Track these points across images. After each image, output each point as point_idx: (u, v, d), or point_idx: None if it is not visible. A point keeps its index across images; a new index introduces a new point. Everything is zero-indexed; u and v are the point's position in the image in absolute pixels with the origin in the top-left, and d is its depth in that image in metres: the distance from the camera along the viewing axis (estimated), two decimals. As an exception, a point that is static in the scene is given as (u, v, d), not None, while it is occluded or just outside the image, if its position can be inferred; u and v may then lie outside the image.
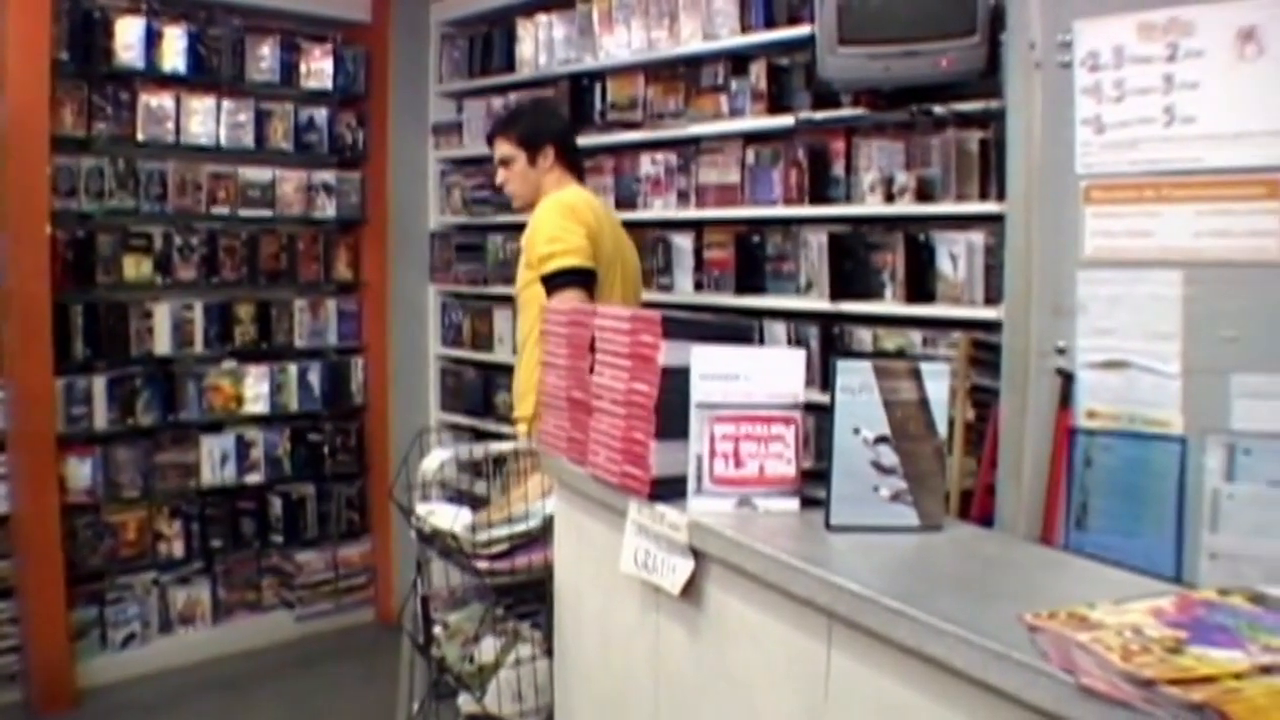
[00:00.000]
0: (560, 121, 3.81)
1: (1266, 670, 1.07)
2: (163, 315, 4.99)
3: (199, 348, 5.11)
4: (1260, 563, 2.41)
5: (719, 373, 1.77)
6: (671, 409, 1.82)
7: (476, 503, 3.45)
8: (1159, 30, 2.55)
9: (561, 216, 3.32)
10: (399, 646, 3.19)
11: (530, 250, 3.36)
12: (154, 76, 4.89)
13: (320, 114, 5.47)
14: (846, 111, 3.77)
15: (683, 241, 4.42)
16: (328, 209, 5.51)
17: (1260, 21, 2.41)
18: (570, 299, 3.10)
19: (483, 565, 2.61)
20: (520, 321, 3.58)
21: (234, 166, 5.18)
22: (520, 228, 5.24)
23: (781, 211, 4.02)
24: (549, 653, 2.60)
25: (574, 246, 3.24)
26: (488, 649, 2.77)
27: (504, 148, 3.64)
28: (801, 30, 3.79)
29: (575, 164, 3.68)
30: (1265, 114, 2.42)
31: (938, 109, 3.50)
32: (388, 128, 5.67)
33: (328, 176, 5.51)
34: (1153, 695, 1.05)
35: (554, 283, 3.21)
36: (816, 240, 3.90)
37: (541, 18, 5.14)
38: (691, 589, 1.84)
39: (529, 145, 3.59)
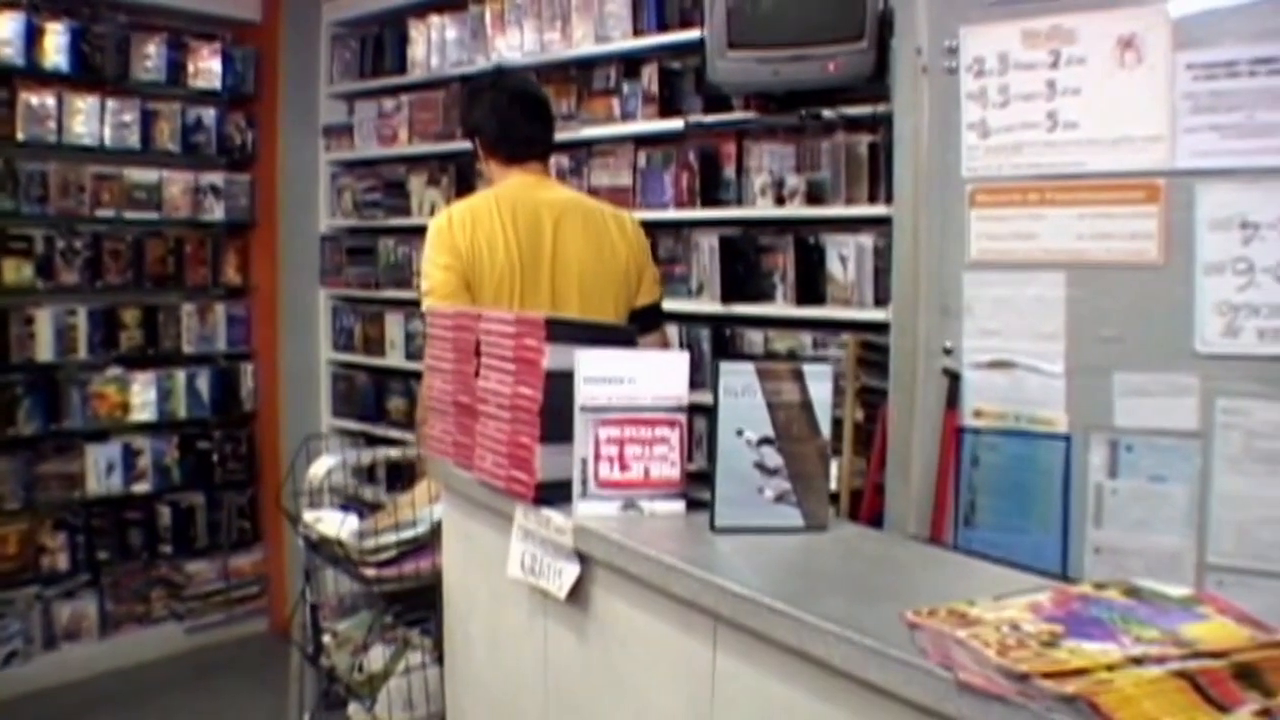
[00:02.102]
0: (484, 106, 3.12)
1: (1137, 661, 1.09)
2: (44, 321, 4.88)
3: (83, 354, 5.00)
4: (1143, 555, 2.47)
5: (603, 376, 1.76)
6: (557, 413, 1.81)
7: (371, 509, 3.41)
8: (1042, 37, 2.60)
9: (429, 245, 2.91)
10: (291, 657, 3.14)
11: None
12: (34, 74, 4.78)
13: (208, 114, 5.40)
14: (737, 115, 3.80)
15: (575, 244, 4.41)
16: (216, 211, 5.43)
17: (1139, 30, 2.46)
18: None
19: (370, 572, 2.58)
20: None
21: (119, 167, 5.09)
22: (412, 231, 5.25)
23: (673, 214, 4.03)
24: (439, 659, 2.57)
25: (433, 284, 2.85)
26: (377, 657, 2.73)
27: None
28: (693, 34, 3.81)
29: (516, 154, 3.08)
30: (1144, 120, 2.48)
31: (827, 113, 3.54)
32: (278, 129, 5.60)
33: (216, 178, 5.44)
34: (1027, 688, 1.06)
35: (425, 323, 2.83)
36: (708, 243, 3.92)
37: (434, 19, 5.12)
38: (579, 593, 1.83)
39: (467, 137, 3.25)
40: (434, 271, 2.86)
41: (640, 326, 2.92)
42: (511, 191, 3.00)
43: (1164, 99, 2.45)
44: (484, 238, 2.88)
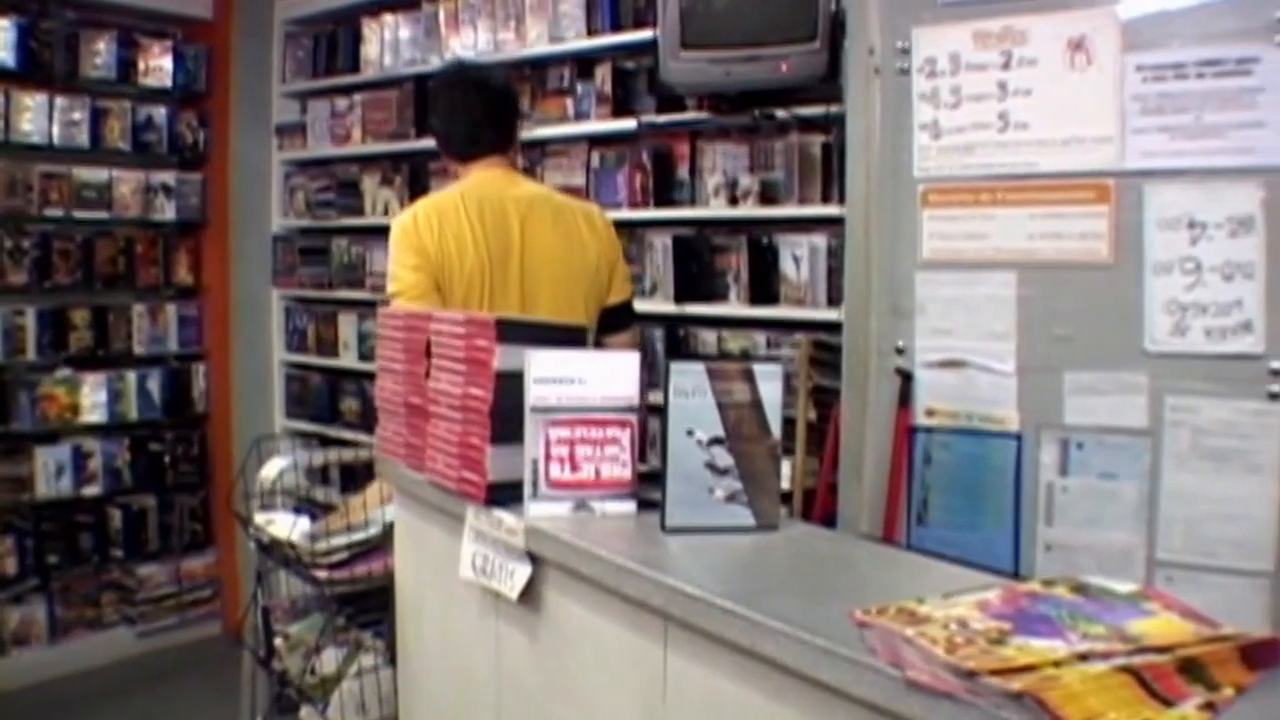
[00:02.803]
0: (439, 105, 3.04)
1: (1084, 657, 1.10)
2: (-8, 321, 4.79)
3: (31, 355, 4.95)
4: (1093, 552, 2.49)
5: (554, 376, 1.76)
6: (508, 413, 1.80)
7: (325, 511, 3.39)
8: (994, 39, 2.61)
9: (395, 245, 2.81)
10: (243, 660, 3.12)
11: None
12: (-20, 71, 4.70)
13: (159, 113, 5.34)
14: (690, 115, 3.80)
15: (529, 244, 4.40)
16: (167, 211, 5.38)
17: (1089, 32, 2.49)
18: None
19: (322, 574, 2.56)
20: None
21: (68, 166, 5.03)
22: (365, 231, 5.23)
23: (626, 214, 4.03)
24: (392, 661, 2.56)
25: (401, 286, 2.74)
26: (329, 660, 2.71)
27: None
28: (646, 34, 3.80)
29: (468, 152, 2.98)
30: (1094, 121, 2.50)
31: (780, 113, 3.55)
32: (230, 128, 5.56)
33: (167, 177, 5.38)
34: (975, 686, 1.07)
35: None
36: (661, 243, 3.92)
37: (387, 18, 5.10)
38: (530, 594, 1.82)
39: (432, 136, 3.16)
40: (402, 273, 2.75)
41: (611, 326, 2.91)
42: (477, 188, 2.88)
43: (1113, 100, 2.47)
44: (452, 236, 2.78)
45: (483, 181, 2.91)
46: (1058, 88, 2.54)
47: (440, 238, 2.76)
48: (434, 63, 4.79)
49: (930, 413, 2.70)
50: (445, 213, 2.81)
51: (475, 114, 2.94)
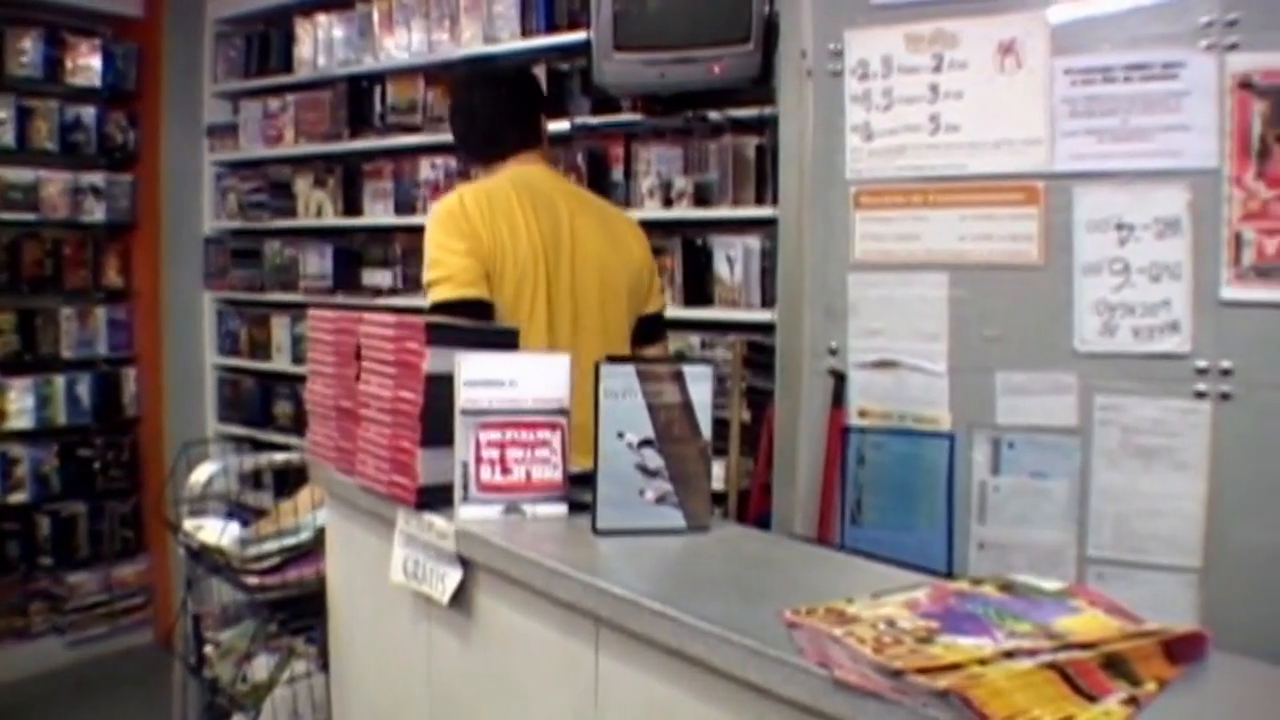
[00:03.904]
0: (459, 113, 2.88)
1: (1010, 655, 1.10)
2: (-86, 325, 4.70)
3: (-45, 360, 4.83)
4: (1026, 550, 2.52)
5: (484, 379, 1.74)
6: (439, 416, 1.78)
7: (259, 516, 3.34)
8: (925, 41, 2.63)
9: (440, 229, 2.55)
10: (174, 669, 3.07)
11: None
12: (-100, 70, 4.61)
13: (88, 112, 5.25)
14: (624, 116, 3.80)
15: (463, 247, 4.39)
16: (96, 212, 5.29)
17: (1019, 36, 2.52)
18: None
19: (253, 580, 2.53)
20: None
21: (-7, 167, 4.92)
22: (298, 233, 5.19)
23: (561, 217, 4.01)
24: (325, 668, 2.53)
25: (449, 272, 2.50)
26: (261, 667, 2.67)
27: None
28: (580, 35, 3.79)
29: (491, 154, 2.79)
30: (1024, 123, 2.53)
31: (713, 115, 3.56)
32: (160, 128, 5.48)
33: (96, 178, 5.29)
34: (901, 684, 1.07)
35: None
36: (595, 245, 3.91)
37: (320, 17, 5.06)
38: (462, 598, 1.81)
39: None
40: (449, 258, 2.51)
41: (646, 336, 2.79)
42: (523, 178, 2.69)
43: (1043, 103, 2.51)
44: (504, 222, 2.57)
45: (527, 174, 2.72)
46: (988, 90, 2.58)
47: (492, 222, 2.56)
48: (368, 63, 4.77)
49: (863, 413, 2.72)
50: (495, 197, 2.61)
51: (495, 114, 2.77)
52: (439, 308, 2.47)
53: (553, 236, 2.61)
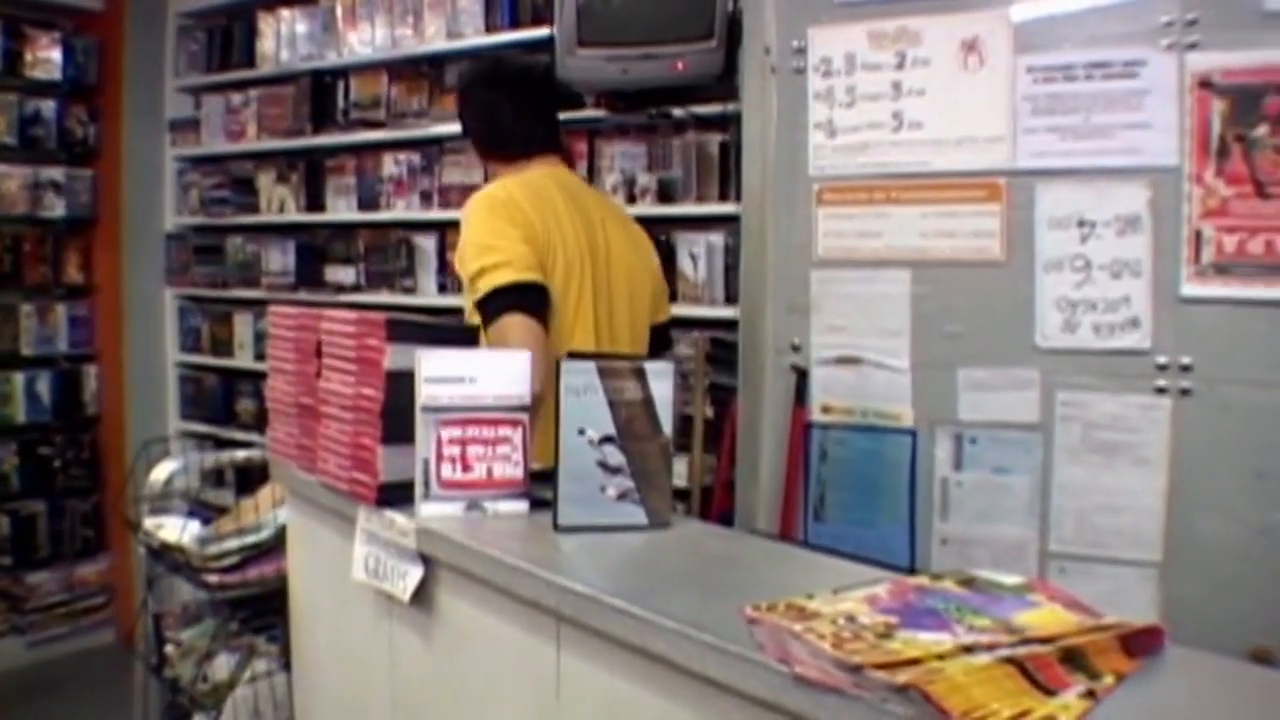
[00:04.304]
0: (473, 102, 2.76)
1: (968, 649, 1.11)
2: None
3: (-88, 356, 4.77)
4: (988, 545, 2.54)
5: (445, 375, 1.74)
6: (399, 413, 1.78)
7: (221, 514, 3.32)
8: (888, 39, 2.64)
9: (491, 215, 2.42)
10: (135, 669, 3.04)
11: (461, 268, 2.45)
12: None
13: (48, 106, 5.17)
14: (588, 113, 3.79)
15: (426, 243, 4.39)
16: (56, 208, 5.22)
17: (982, 33, 2.53)
18: (513, 334, 2.25)
19: (213, 579, 2.52)
20: None
21: (-51, 161, 4.86)
22: (260, 230, 5.15)
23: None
24: (286, 666, 2.52)
25: (508, 257, 2.34)
26: (222, 666, 2.66)
27: None
28: (544, 31, 3.78)
29: (518, 150, 2.69)
30: (986, 121, 2.54)
31: (677, 111, 3.55)
32: (121, 122, 5.41)
33: (56, 173, 5.22)
34: (860, 680, 1.07)
35: (489, 310, 2.31)
36: (560, 241, 3.90)
37: (283, 12, 5.01)
38: (423, 595, 1.80)
39: (462, 132, 2.86)
40: (505, 244, 2.36)
41: (659, 343, 2.75)
42: (554, 178, 2.62)
43: (1005, 101, 2.52)
44: (551, 215, 2.48)
45: (557, 175, 2.66)
46: (951, 88, 2.58)
47: (541, 213, 2.46)
48: (331, 59, 4.74)
49: (826, 409, 2.72)
50: (540, 190, 2.52)
51: (523, 111, 2.68)
52: (500, 292, 2.31)
53: (589, 237, 2.54)
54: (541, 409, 1.97)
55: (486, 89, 2.73)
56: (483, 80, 2.77)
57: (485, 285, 2.31)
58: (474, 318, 2.38)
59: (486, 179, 2.73)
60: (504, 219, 2.40)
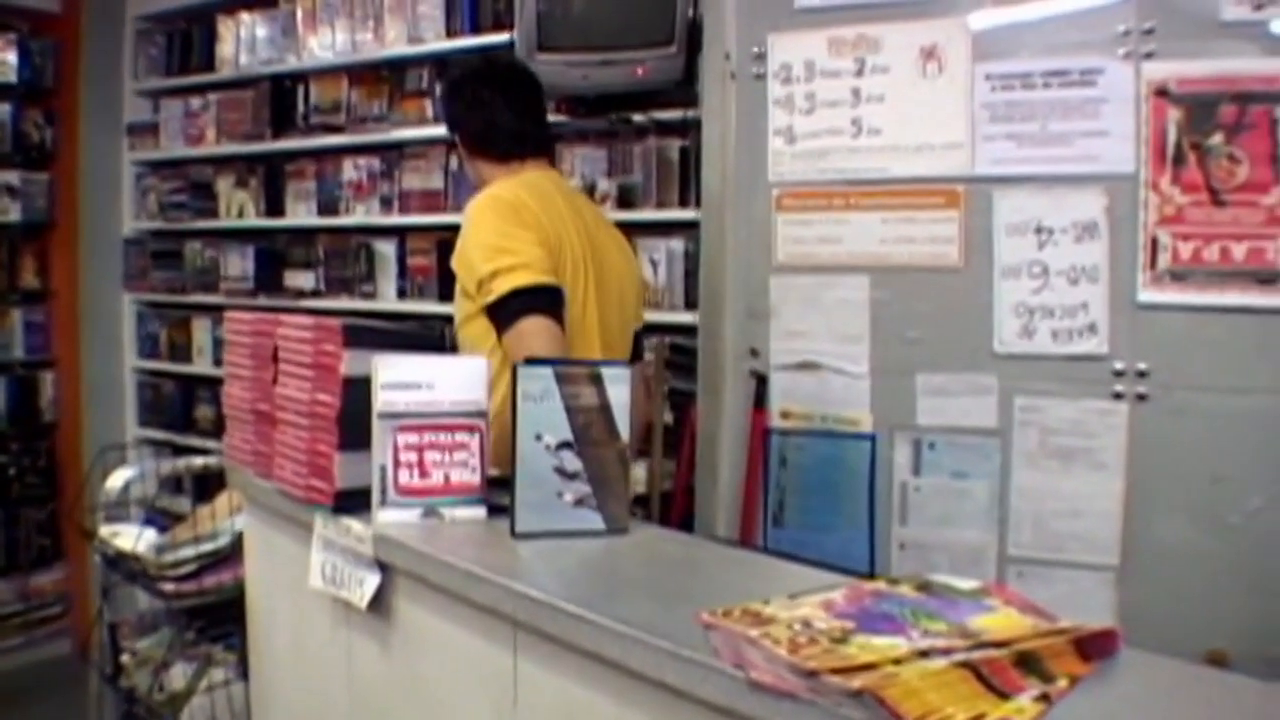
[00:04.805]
0: (465, 99, 2.63)
1: (924, 654, 1.11)
2: None
3: None
4: (947, 550, 2.54)
5: (401, 382, 1.73)
6: (356, 419, 1.77)
7: (179, 522, 3.29)
8: (848, 46, 2.65)
9: (500, 218, 2.33)
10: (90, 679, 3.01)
11: (465, 271, 2.34)
12: None
13: (3, 109, 5.12)
14: (548, 118, 3.78)
15: (386, 248, 4.38)
16: (12, 212, 5.16)
17: (940, 41, 2.54)
18: (536, 338, 2.17)
19: (169, 587, 2.49)
20: None
21: (-98, 164, 4.80)
22: (219, 234, 5.11)
23: (485, 218, 4.00)
24: (244, 675, 2.50)
25: (525, 259, 2.25)
26: (178, 675, 2.64)
27: None
28: (504, 36, 3.78)
29: (511, 151, 2.58)
30: (945, 128, 2.55)
31: (637, 117, 3.55)
32: (78, 126, 5.36)
33: (11, 177, 5.16)
34: (816, 685, 1.07)
35: (506, 313, 2.22)
36: (520, 246, 3.90)
37: (243, 16, 4.99)
38: (380, 602, 1.79)
39: (450, 134, 2.73)
40: (519, 246, 2.27)
41: (635, 352, 2.68)
42: (553, 181, 2.57)
43: (964, 108, 2.53)
44: (557, 217, 2.41)
45: (554, 179, 2.61)
46: (910, 95, 2.59)
47: (550, 216, 2.39)
48: (291, 63, 4.72)
49: (785, 415, 2.73)
50: (543, 193, 2.44)
51: (519, 112, 2.60)
52: (519, 294, 2.21)
53: (589, 240, 2.48)
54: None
55: (481, 86, 2.62)
56: (477, 76, 2.67)
57: (502, 287, 2.22)
58: (470, 325, 2.34)
59: (474, 183, 2.62)
60: (515, 222, 2.32)
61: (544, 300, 2.23)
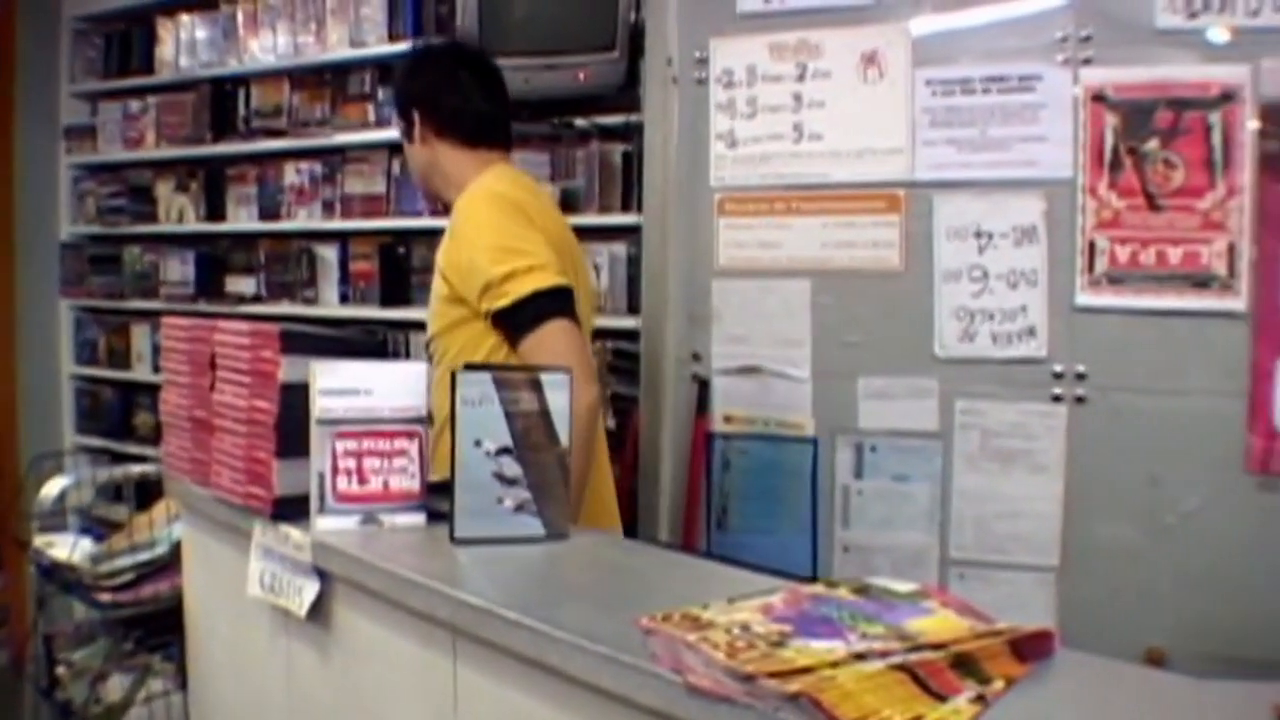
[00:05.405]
0: (436, 73, 2.46)
1: (860, 657, 1.11)
2: None
3: None
4: (889, 553, 2.56)
5: (340, 388, 1.71)
6: (295, 426, 1.75)
7: (116, 531, 3.25)
8: (790, 51, 2.66)
9: (506, 217, 2.19)
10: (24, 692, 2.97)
11: (463, 275, 2.18)
12: None
13: (-66, 112, 5.05)
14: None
15: (328, 253, 4.34)
16: (-56, 216, 5.09)
17: (881, 46, 2.56)
18: (562, 341, 2.09)
19: (106, 597, 2.46)
20: (436, 385, 2.01)
21: None
22: (159, 239, 5.05)
23: (428, 223, 3.98)
24: (183, 685, 2.47)
25: (540, 260, 2.13)
26: (115, 687, 2.61)
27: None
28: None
29: (481, 136, 2.42)
30: (885, 133, 2.57)
31: (580, 121, 3.55)
32: (13, 129, 5.28)
33: (-57, 181, 5.09)
34: (753, 689, 1.07)
35: (524, 317, 2.10)
36: (463, 252, 3.88)
37: (183, 17, 4.93)
38: (320, 610, 1.77)
39: (401, 112, 2.49)
40: (532, 247, 2.14)
41: None
42: (528, 180, 2.46)
43: (904, 113, 2.55)
44: (549, 214, 2.33)
45: (522, 173, 2.50)
46: (851, 100, 2.61)
47: (543, 214, 2.29)
48: (231, 66, 4.67)
49: (728, 419, 2.73)
50: (533, 189, 2.39)
51: (491, 100, 2.46)
52: (541, 296, 2.10)
53: (568, 239, 2.39)
54: (592, 418, 2.05)
55: (456, 65, 2.49)
56: (451, 55, 2.55)
57: (521, 289, 2.09)
58: (457, 331, 2.22)
59: (421, 172, 2.48)
60: (522, 221, 2.19)
61: (564, 302, 2.13)
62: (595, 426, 2.17)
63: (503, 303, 2.10)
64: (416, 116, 2.41)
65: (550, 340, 2.08)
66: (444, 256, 2.24)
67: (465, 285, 2.17)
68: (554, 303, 2.10)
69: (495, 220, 2.18)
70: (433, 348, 2.30)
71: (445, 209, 2.44)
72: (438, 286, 2.26)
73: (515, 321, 2.11)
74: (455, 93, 2.41)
